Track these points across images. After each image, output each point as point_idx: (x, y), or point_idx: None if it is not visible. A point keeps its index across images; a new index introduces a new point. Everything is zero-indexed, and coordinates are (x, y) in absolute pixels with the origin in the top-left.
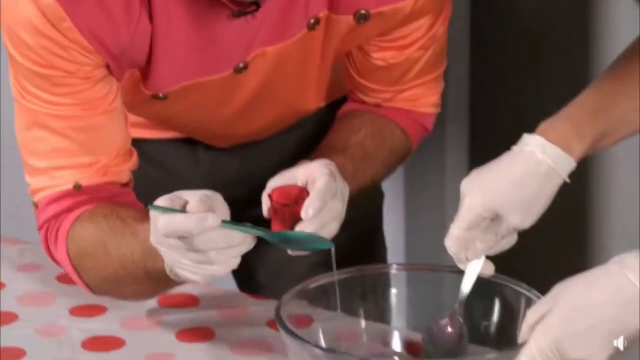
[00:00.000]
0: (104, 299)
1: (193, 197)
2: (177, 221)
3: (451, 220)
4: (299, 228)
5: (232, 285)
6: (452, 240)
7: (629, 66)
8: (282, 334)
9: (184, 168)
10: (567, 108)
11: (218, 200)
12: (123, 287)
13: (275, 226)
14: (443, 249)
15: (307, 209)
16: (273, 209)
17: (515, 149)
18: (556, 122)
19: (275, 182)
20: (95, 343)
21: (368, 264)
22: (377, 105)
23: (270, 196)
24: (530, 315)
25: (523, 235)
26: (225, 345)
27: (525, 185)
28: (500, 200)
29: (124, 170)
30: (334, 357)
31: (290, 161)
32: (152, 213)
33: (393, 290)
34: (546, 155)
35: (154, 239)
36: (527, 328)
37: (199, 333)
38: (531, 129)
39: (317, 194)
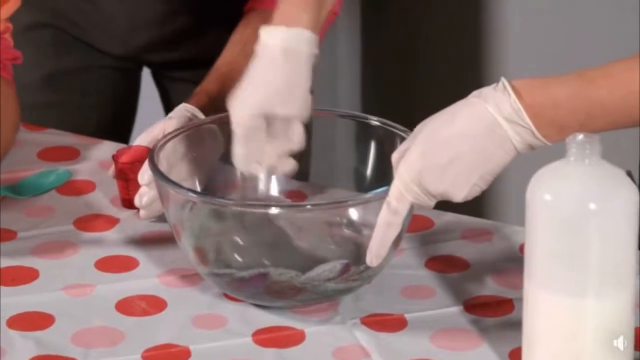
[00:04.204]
0: None
1: None
2: None
3: None
4: (137, 195)
5: None
6: (240, 160)
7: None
8: (158, 181)
9: (109, 2)
10: None
11: None
12: None
13: (120, 186)
14: None
15: (143, 175)
16: (117, 168)
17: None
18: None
19: (141, 140)
20: None
21: None
22: None
23: (114, 156)
24: (394, 154)
25: None
26: None
27: (278, 77)
28: (263, 103)
29: None
30: (210, 202)
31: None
32: None
33: None
34: (283, 40)
35: None
36: (394, 167)
37: None
38: None
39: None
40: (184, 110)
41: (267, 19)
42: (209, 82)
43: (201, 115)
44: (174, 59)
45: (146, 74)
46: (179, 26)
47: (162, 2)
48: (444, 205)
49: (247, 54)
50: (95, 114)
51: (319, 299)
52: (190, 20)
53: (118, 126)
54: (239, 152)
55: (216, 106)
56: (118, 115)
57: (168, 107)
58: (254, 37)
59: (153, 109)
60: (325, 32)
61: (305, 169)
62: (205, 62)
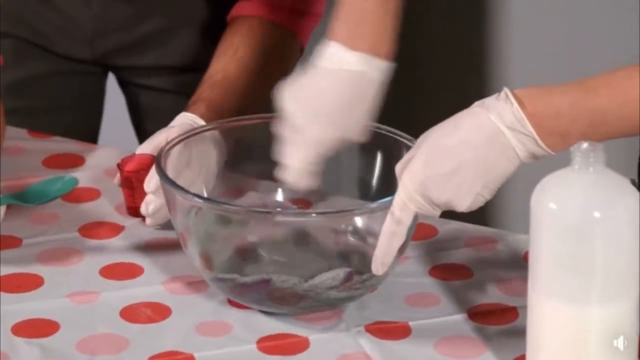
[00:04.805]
0: None
1: None
2: None
3: None
4: (144, 203)
5: None
6: (296, 176)
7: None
8: (165, 187)
9: (74, 7)
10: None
11: None
12: None
13: (125, 194)
14: None
15: (149, 182)
16: (122, 176)
17: (329, 65)
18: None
19: (143, 148)
20: None
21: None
22: None
23: (118, 165)
24: (398, 165)
25: None
26: None
27: (365, 107)
28: (349, 131)
29: None
30: (217, 208)
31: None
32: None
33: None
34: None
35: None
36: (398, 177)
37: None
38: None
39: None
40: (184, 118)
41: (253, 26)
42: (205, 91)
43: (202, 123)
44: (141, 65)
45: (112, 79)
46: (146, 31)
47: (129, 6)
48: (448, 213)
49: (238, 61)
50: (60, 119)
51: (321, 307)
52: (158, 26)
53: (83, 130)
54: (302, 168)
55: (216, 113)
56: (83, 119)
57: (135, 114)
58: (243, 44)
59: (120, 113)
60: (310, 33)
61: None
62: (173, 69)
